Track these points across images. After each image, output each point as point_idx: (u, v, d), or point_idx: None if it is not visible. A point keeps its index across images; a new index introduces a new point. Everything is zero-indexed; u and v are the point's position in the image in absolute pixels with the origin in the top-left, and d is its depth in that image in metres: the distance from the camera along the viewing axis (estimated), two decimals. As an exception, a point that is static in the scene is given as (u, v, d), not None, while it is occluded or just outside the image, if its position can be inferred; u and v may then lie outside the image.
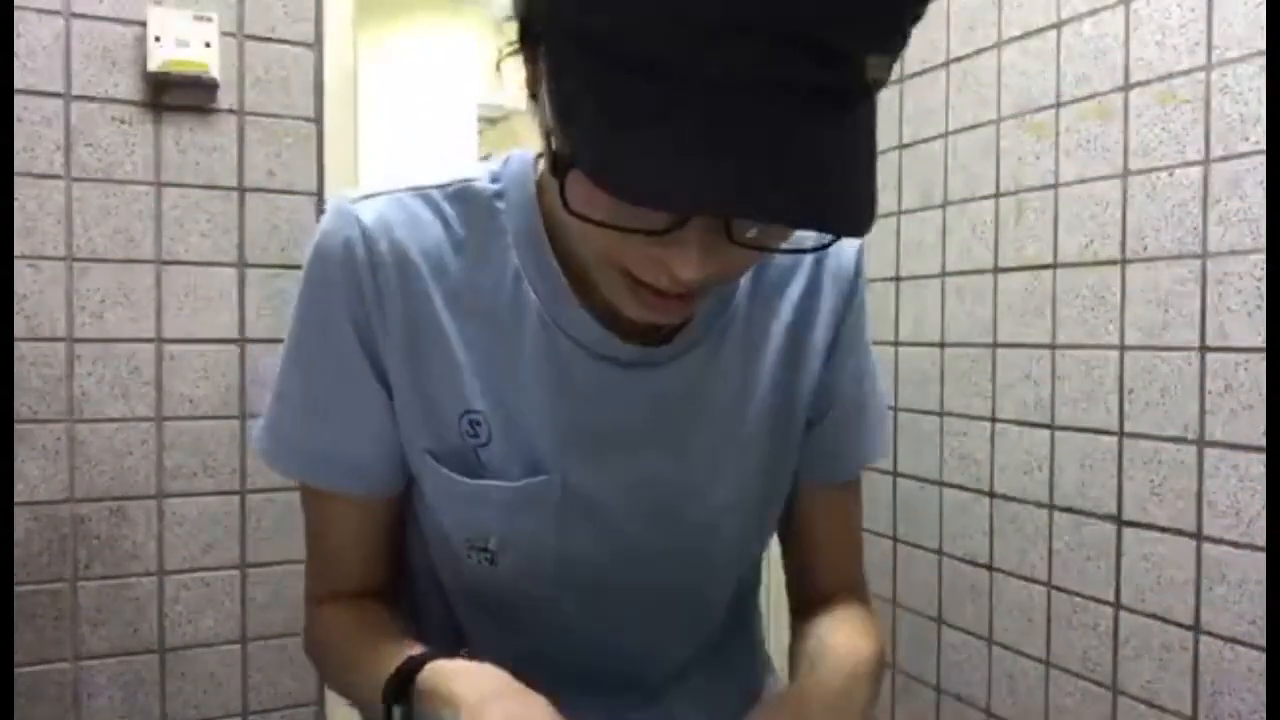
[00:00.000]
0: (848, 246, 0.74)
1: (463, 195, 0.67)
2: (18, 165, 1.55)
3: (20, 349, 1.56)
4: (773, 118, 0.44)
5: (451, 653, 0.63)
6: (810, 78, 0.44)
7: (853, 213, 0.46)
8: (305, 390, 0.68)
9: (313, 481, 0.70)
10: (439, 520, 0.70)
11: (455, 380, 0.65)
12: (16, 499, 1.56)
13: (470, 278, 0.65)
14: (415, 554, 0.77)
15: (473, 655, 0.63)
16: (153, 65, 1.59)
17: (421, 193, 0.66)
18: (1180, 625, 1.35)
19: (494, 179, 0.67)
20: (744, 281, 0.70)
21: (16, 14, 1.54)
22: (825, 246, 0.54)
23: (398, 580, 0.78)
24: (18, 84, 1.54)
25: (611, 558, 0.69)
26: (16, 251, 1.55)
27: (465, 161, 0.68)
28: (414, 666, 0.61)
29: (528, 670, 0.74)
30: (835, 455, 0.77)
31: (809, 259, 0.73)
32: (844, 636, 0.71)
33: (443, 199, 0.66)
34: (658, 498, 0.69)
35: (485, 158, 0.67)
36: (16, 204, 1.55)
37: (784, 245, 0.53)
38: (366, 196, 0.66)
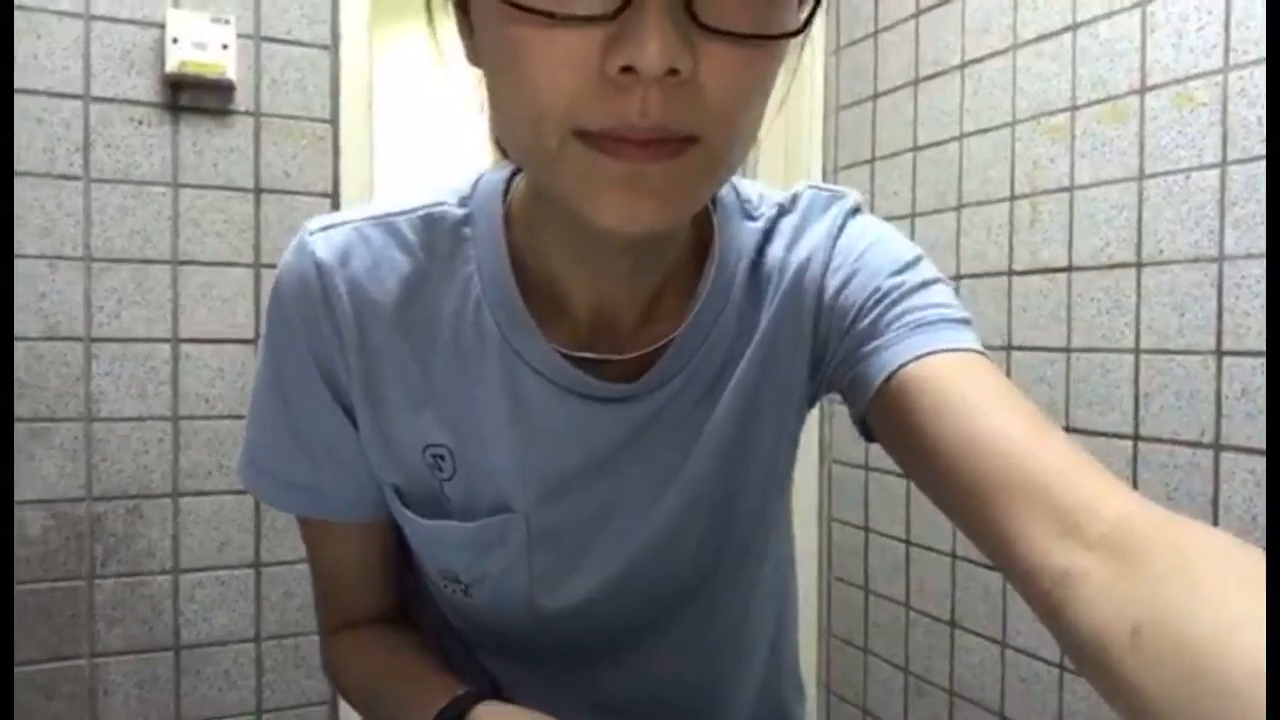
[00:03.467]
0: (836, 201, 0.67)
1: (428, 222, 0.64)
2: (38, 167, 1.56)
3: (39, 348, 1.57)
4: None
5: (487, 687, 0.63)
6: None
7: None
8: (282, 425, 0.67)
9: (304, 513, 0.70)
10: (414, 552, 0.70)
11: (416, 413, 0.63)
12: (34, 497, 1.57)
13: (432, 307, 0.63)
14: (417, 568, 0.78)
15: (507, 694, 0.63)
16: (170, 67, 1.60)
17: (384, 221, 0.64)
18: (1195, 630, 1.35)
19: (462, 202, 0.64)
20: (731, 305, 0.64)
21: (37, 17, 1.55)
22: (795, 33, 0.47)
23: (405, 602, 0.78)
24: (39, 86, 1.56)
25: (582, 596, 0.68)
26: (36, 251, 1.56)
27: (438, 183, 0.67)
28: (458, 714, 0.60)
29: (523, 688, 0.74)
30: (900, 338, 0.60)
31: (786, 236, 0.65)
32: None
33: (406, 226, 0.64)
34: (625, 534, 0.66)
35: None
36: (36, 205, 1.56)
37: (759, 29, 0.46)
38: (326, 228, 0.64)
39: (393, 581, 0.76)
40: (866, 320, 0.61)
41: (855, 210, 0.67)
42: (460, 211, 0.64)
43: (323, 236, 0.63)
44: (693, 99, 0.45)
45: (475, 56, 0.53)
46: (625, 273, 0.61)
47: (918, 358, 0.57)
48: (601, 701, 0.73)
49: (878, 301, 0.61)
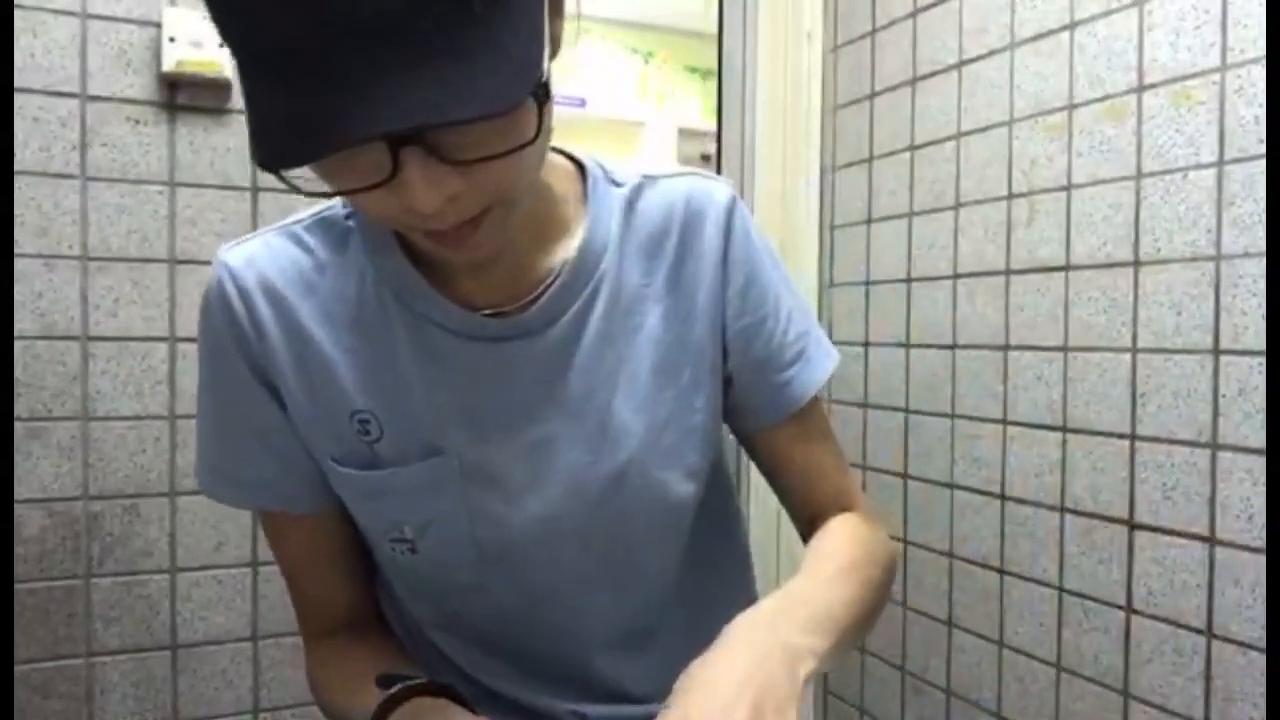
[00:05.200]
0: (716, 194, 0.77)
1: (320, 224, 0.74)
2: (34, 165, 1.56)
3: (36, 347, 1.57)
4: (339, 51, 0.47)
5: (420, 687, 0.67)
6: (348, 10, 0.47)
7: (472, 94, 0.49)
8: (221, 424, 0.74)
9: (253, 506, 0.76)
10: (358, 519, 0.75)
11: (339, 386, 0.70)
12: (31, 496, 1.57)
13: (336, 292, 0.71)
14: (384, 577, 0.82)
15: (447, 687, 0.68)
16: (167, 66, 1.60)
17: (284, 230, 0.74)
18: (1192, 629, 1.35)
19: (345, 204, 0.73)
20: (611, 248, 0.74)
21: (34, 15, 1.55)
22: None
23: (376, 604, 0.83)
24: (35, 85, 1.56)
25: (525, 530, 0.72)
26: (33, 250, 1.56)
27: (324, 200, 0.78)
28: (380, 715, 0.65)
29: (484, 667, 0.78)
30: (775, 390, 0.79)
31: (678, 219, 0.76)
32: (809, 560, 0.75)
33: (303, 231, 0.74)
34: (557, 463, 0.72)
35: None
36: (33, 203, 1.56)
37: (505, 147, 0.54)
38: (236, 245, 0.73)
39: (354, 579, 0.81)
40: (771, 341, 0.78)
41: (734, 198, 0.79)
42: (345, 210, 0.73)
43: (233, 251, 0.73)
44: (473, 195, 0.56)
45: None
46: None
47: (796, 412, 0.80)
48: (535, 670, 0.78)
49: (775, 317, 0.78)
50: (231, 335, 0.71)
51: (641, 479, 0.74)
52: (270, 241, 0.73)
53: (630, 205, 0.76)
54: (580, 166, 0.77)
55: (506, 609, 0.76)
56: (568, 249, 0.73)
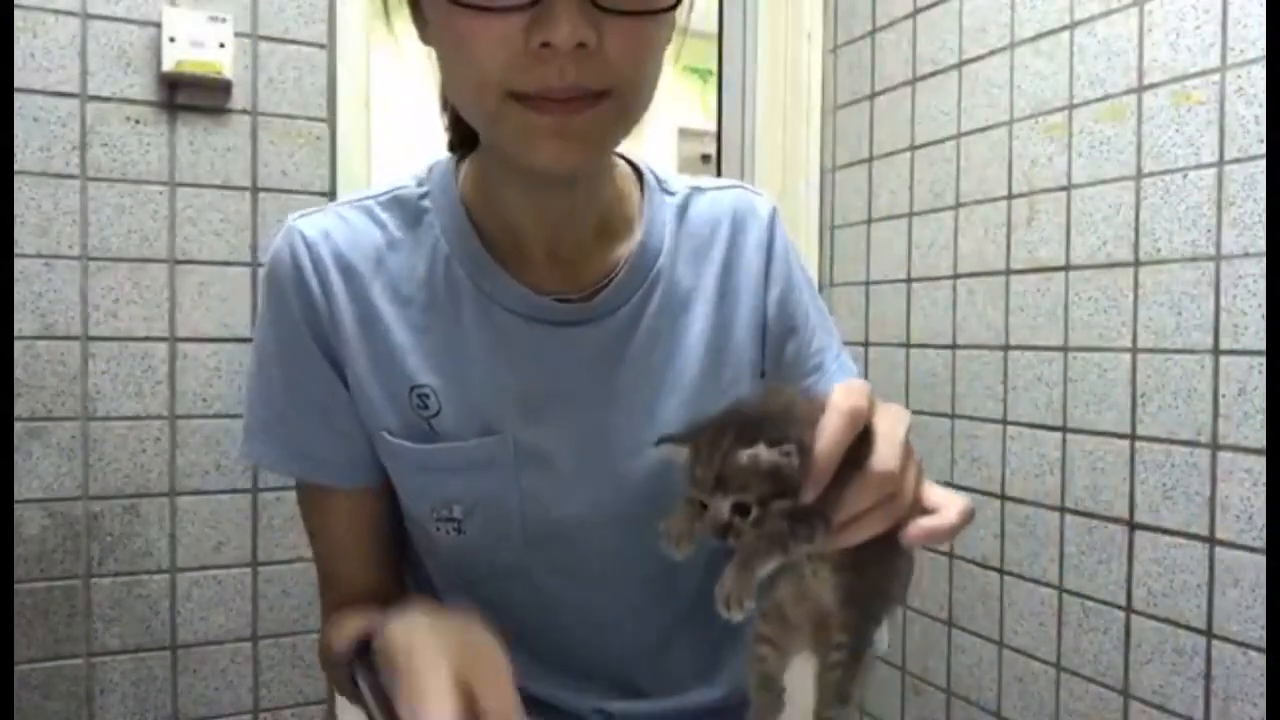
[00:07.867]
0: (760, 207, 0.83)
1: (395, 201, 0.76)
2: (34, 166, 1.56)
3: (36, 347, 1.57)
4: None
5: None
6: None
7: None
8: (279, 393, 0.75)
9: (302, 475, 0.77)
10: (406, 496, 0.76)
11: (402, 360, 0.72)
12: (31, 496, 1.57)
13: (407, 270, 0.73)
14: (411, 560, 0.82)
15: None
16: (167, 66, 1.60)
17: (358, 204, 0.76)
18: (1192, 629, 1.35)
19: (420, 184, 0.76)
20: (665, 250, 0.77)
21: (34, 15, 1.55)
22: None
23: (401, 580, 0.83)
24: (35, 85, 1.56)
25: (571, 515, 0.74)
26: (33, 250, 1.56)
27: (396, 176, 0.81)
28: (371, 633, 0.64)
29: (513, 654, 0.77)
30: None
31: (725, 228, 0.80)
32: None
33: (377, 206, 0.75)
34: (604, 451, 0.74)
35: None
36: (33, 204, 1.56)
37: (647, 7, 0.58)
38: (308, 214, 0.74)
39: (385, 562, 0.81)
40: (798, 352, 0.81)
41: (775, 212, 0.84)
42: (419, 190, 0.76)
43: (306, 220, 0.74)
44: (601, 63, 0.58)
45: (426, 38, 0.66)
46: (567, 210, 0.73)
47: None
48: (560, 666, 0.79)
49: (804, 328, 0.82)
50: (302, 307, 0.72)
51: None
52: (345, 215, 0.74)
53: (682, 212, 0.80)
54: (638, 171, 0.81)
55: (543, 595, 0.77)
56: (628, 246, 0.76)
